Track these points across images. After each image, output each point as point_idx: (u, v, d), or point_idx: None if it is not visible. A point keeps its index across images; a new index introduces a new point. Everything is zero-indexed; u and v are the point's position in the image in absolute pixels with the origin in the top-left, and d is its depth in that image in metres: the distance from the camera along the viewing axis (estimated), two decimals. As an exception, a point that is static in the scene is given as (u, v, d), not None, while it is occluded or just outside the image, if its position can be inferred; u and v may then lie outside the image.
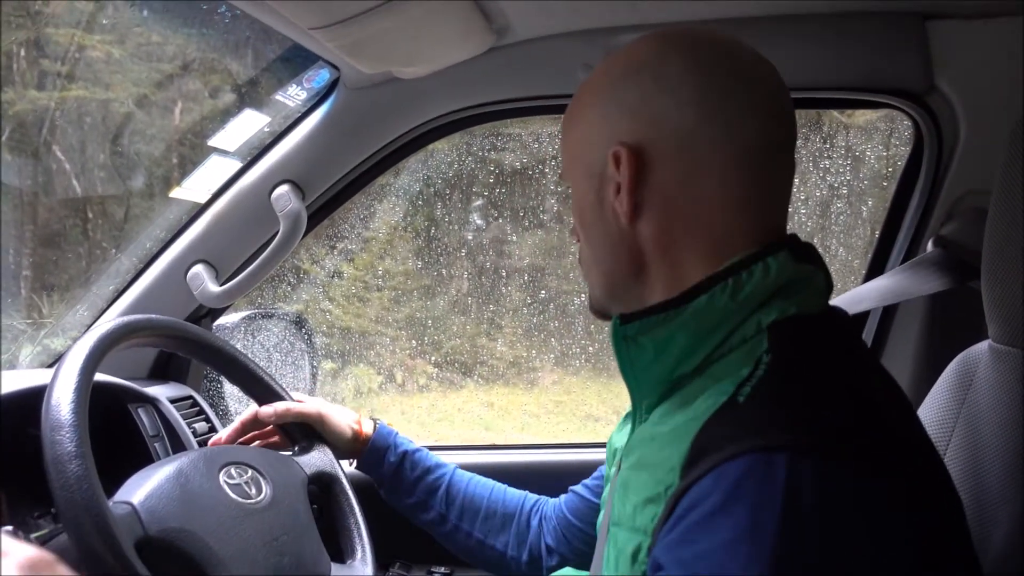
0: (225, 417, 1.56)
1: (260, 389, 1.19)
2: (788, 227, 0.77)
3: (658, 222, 0.74)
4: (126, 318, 0.99)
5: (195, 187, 1.46)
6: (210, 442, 1.27)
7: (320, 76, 1.36)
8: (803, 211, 2.38)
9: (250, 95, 1.49)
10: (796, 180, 0.78)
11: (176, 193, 1.48)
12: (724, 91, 0.71)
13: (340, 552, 1.10)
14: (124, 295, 1.49)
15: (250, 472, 1.01)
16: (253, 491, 0.98)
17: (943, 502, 0.65)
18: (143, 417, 1.28)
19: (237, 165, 1.44)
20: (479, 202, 3.15)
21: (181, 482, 0.91)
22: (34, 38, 3.10)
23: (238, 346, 1.27)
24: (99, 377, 0.93)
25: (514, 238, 3.16)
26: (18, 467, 1.03)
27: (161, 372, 1.54)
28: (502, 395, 3.40)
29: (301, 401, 1.22)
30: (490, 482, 1.27)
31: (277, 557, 0.95)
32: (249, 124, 1.41)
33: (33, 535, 0.88)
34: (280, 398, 1.20)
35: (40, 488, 0.80)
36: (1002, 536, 0.80)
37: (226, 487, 0.96)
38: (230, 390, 1.61)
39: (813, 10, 1.26)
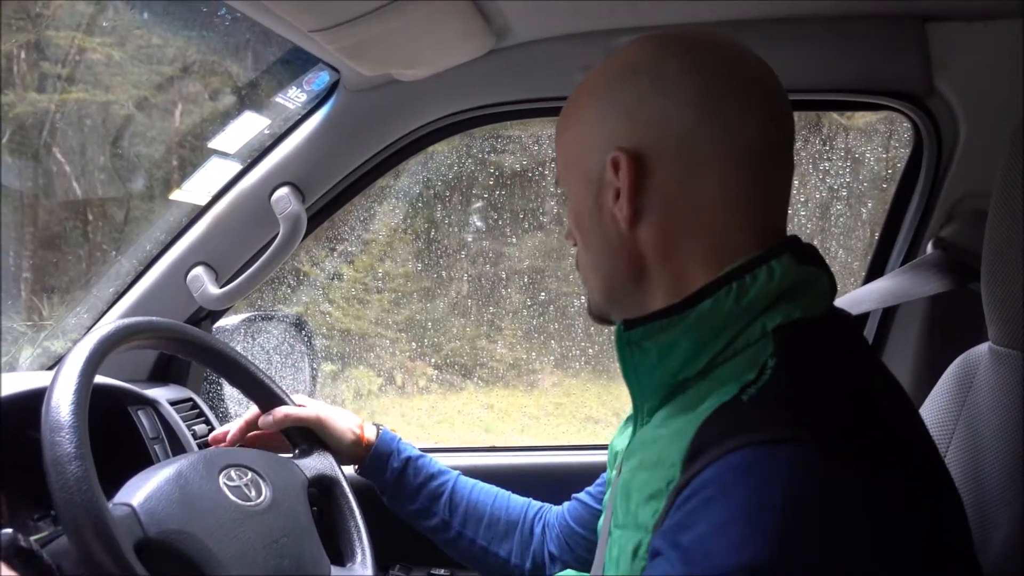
0: (225, 419, 1.56)
1: (260, 392, 1.19)
2: (788, 229, 0.77)
3: (658, 226, 0.73)
4: (126, 320, 0.99)
5: (195, 189, 1.46)
6: (211, 435, 1.28)
7: (320, 78, 1.36)
8: (803, 213, 2.39)
9: (250, 97, 1.49)
10: (796, 182, 0.78)
11: (176, 195, 1.48)
12: (723, 91, 0.71)
13: (340, 555, 1.10)
14: (124, 297, 1.49)
15: (250, 474, 1.01)
16: (253, 493, 0.98)
17: (944, 502, 0.65)
18: (143, 419, 1.28)
19: (237, 167, 1.44)
20: (479, 204, 3.15)
21: (181, 484, 0.91)
22: (34, 40, 3.10)
23: (238, 348, 1.27)
24: (99, 379, 0.93)
25: (514, 240, 3.16)
26: (18, 469, 1.03)
27: (161, 374, 1.54)
28: (502, 397, 3.40)
29: (302, 405, 1.21)
30: (494, 489, 1.27)
31: (277, 559, 0.95)
32: (249, 126, 1.41)
33: (33, 537, 0.88)
34: (280, 401, 1.20)
35: (40, 490, 0.80)
36: (1002, 537, 0.80)
37: (226, 489, 0.96)
38: (230, 392, 1.61)
39: (813, 12, 1.26)
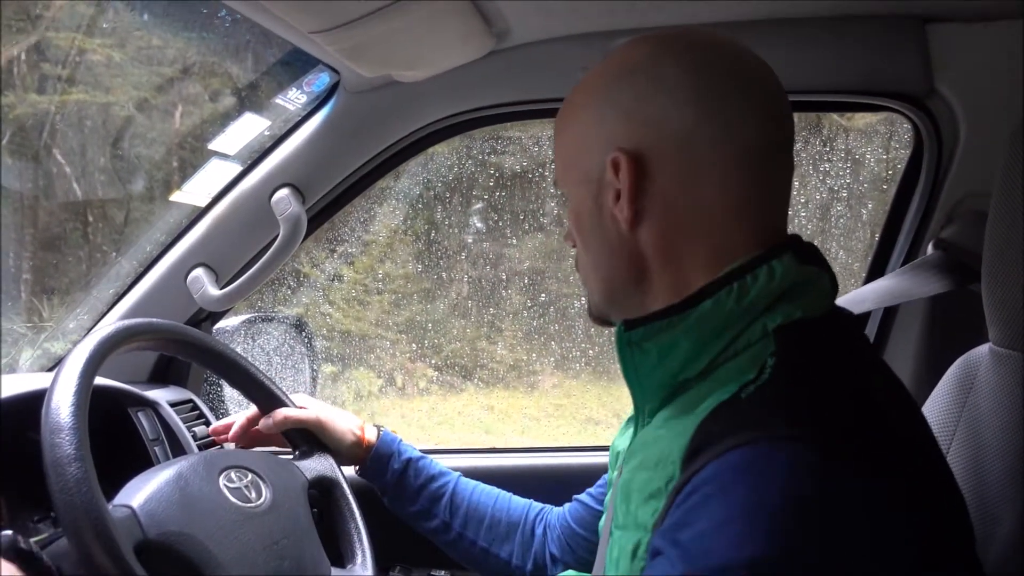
0: (225, 421, 1.56)
1: (260, 393, 1.19)
2: (788, 230, 0.77)
3: (659, 227, 0.73)
4: (126, 322, 0.99)
5: (195, 191, 1.46)
6: (211, 428, 1.28)
7: (320, 80, 1.36)
8: (803, 214, 2.39)
9: (250, 99, 1.49)
10: (796, 183, 0.78)
11: (176, 197, 1.48)
12: (722, 91, 0.71)
13: (340, 556, 1.10)
14: (124, 299, 1.49)
15: (250, 476, 1.01)
16: (253, 495, 0.98)
17: (945, 502, 0.65)
18: (143, 421, 1.28)
19: (237, 169, 1.44)
20: (479, 205, 3.15)
21: (181, 486, 0.91)
22: (35, 42, 3.10)
23: (238, 350, 1.27)
24: (99, 381, 0.92)
25: (514, 241, 3.16)
26: (18, 471, 1.03)
27: (161, 376, 1.54)
28: (502, 398, 3.40)
29: (303, 406, 1.21)
30: (494, 490, 1.27)
31: (277, 561, 0.95)
32: (249, 128, 1.41)
33: (33, 539, 0.88)
34: (280, 402, 1.20)
35: (40, 492, 0.80)
36: (1003, 538, 0.80)
37: (226, 491, 0.96)
38: (230, 394, 1.61)
39: (813, 13, 1.26)
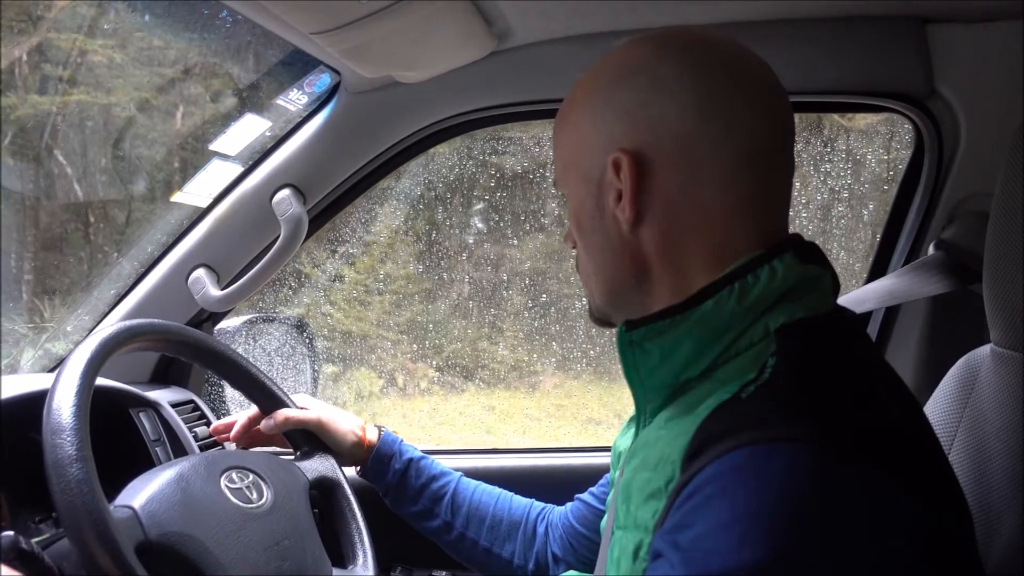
0: (226, 421, 1.56)
1: (261, 394, 1.19)
2: (789, 230, 0.77)
3: (660, 227, 0.73)
4: (128, 322, 0.99)
5: (196, 191, 1.46)
6: (212, 427, 1.28)
7: (321, 80, 1.36)
8: (804, 214, 2.39)
9: (251, 99, 1.49)
10: (797, 183, 0.78)
11: (177, 197, 1.48)
12: (722, 90, 0.71)
13: (341, 556, 1.10)
14: (125, 299, 1.49)
15: (251, 476, 1.01)
16: (254, 495, 0.98)
17: (946, 502, 0.65)
18: (144, 421, 1.28)
19: (238, 169, 1.44)
20: (480, 206, 3.15)
21: (182, 486, 0.91)
22: (36, 43, 3.10)
23: (239, 350, 1.27)
24: (100, 381, 0.93)
25: (515, 242, 3.16)
26: (19, 471, 1.03)
27: (162, 376, 1.54)
28: (503, 399, 3.39)
29: (304, 407, 1.21)
30: (496, 490, 1.26)
31: (278, 561, 0.95)
32: (250, 128, 1.41)
33: (34, 539, 0.88)
34: (282, 403, 1.20)
35: (41, 492, 0.80)
36: (1005, 539, 0.80)
37: (227, 491, 0.96)
38: (231, 394, 1.61)
39: (814, 14, 1.26)
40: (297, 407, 1.21)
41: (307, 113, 1.41)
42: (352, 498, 1.15)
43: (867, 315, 1.50)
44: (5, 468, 1.07)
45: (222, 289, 1.44)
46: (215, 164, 1.44)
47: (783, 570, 0.53)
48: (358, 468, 1.26)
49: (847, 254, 2.44)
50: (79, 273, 3.21)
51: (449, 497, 1.23)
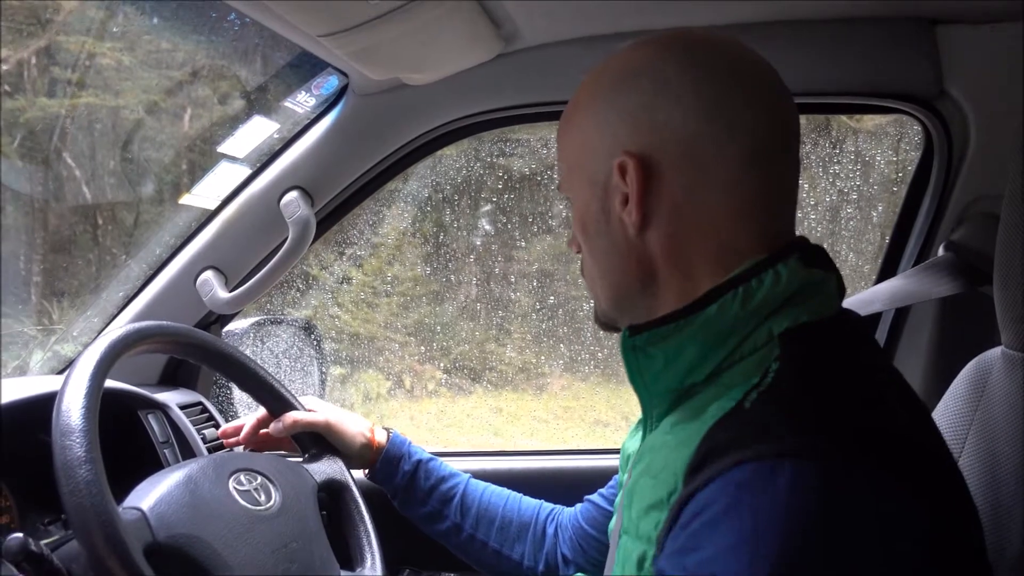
0: (234, 423, 1.56)
1: (269, 396, 1.19)
2: (797, 233, 0.77)
3: (667, 230, 0.73)
4: (136, 324, 1.00)
5: (204, 193, 1.46)
6: (220, 430, 1.28)
7: (329, 83, 1.36)
8: (813, 216, 2.38)
9: (259, 102, 1.49)
10: (805, 185, 0.78)
11: (185, 199, 1.48)
12: (725, 91, 0.71)
13: (350, 559, 1.10)
14: (134, 301, 1.50)
15: (260, 479, 1.01)
16: (263, 498, 0.98)
17: (955, 509, 0.64)
18: (153, 423, 1.29)
19: (246, 171, 1.45)
20: (487, 207, 3.15)
21: (191, 488, 0.92)
22: (45, 46, 3.12)
23: (247, 352, 1.27)
24: (109, 383, 0.93)
25: (523, 243, 3.16)
26: (28, 473, 1.04)
27: (171, 378, 1.55)
28: (511, 401, 3.39)
29: (312, 409, 1.21)
30: (505, 491, 1.26)
31: (286, 564, 0.95)
32: (258, 131, 1.42)
33: (43, 541, 0.89)
34: (290, 405, 1.20)
35: (50, 494, 0.81)
36: (1016, 546, 0.80)
37: (235, 493, 0.96)
38: (240, 396, 1.61)
39: (822, 15, 1.26)
40: (305, 409, 1.21)
41: (315, 115, 1.41)
42: (360, 500, 1.15)
43: (877, 318, 1.49)
44: (14, 470, 1.08)
45: (230, 291, 1.45)
46: (223, 166, 1.44)
47: None
48: (367, 470, 1.26)
49: (856, 256, 2.42)
50: (88, 275, 3.23)
51: (458, 499, 1.23)
